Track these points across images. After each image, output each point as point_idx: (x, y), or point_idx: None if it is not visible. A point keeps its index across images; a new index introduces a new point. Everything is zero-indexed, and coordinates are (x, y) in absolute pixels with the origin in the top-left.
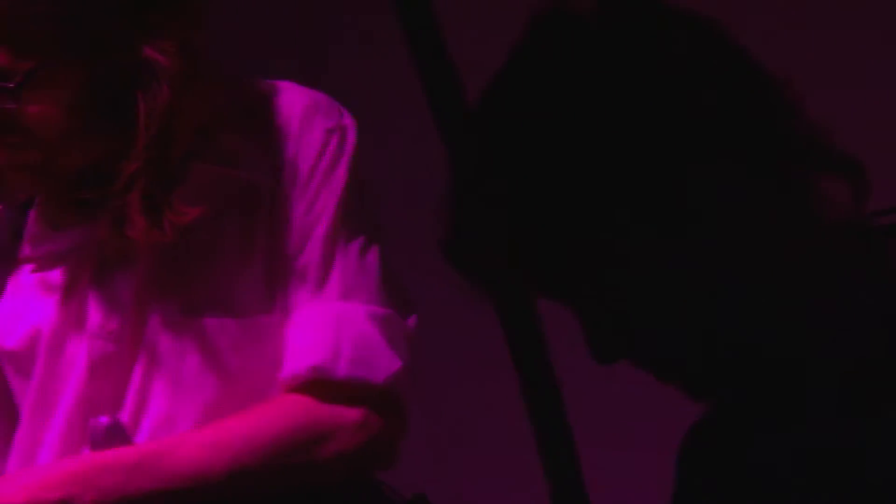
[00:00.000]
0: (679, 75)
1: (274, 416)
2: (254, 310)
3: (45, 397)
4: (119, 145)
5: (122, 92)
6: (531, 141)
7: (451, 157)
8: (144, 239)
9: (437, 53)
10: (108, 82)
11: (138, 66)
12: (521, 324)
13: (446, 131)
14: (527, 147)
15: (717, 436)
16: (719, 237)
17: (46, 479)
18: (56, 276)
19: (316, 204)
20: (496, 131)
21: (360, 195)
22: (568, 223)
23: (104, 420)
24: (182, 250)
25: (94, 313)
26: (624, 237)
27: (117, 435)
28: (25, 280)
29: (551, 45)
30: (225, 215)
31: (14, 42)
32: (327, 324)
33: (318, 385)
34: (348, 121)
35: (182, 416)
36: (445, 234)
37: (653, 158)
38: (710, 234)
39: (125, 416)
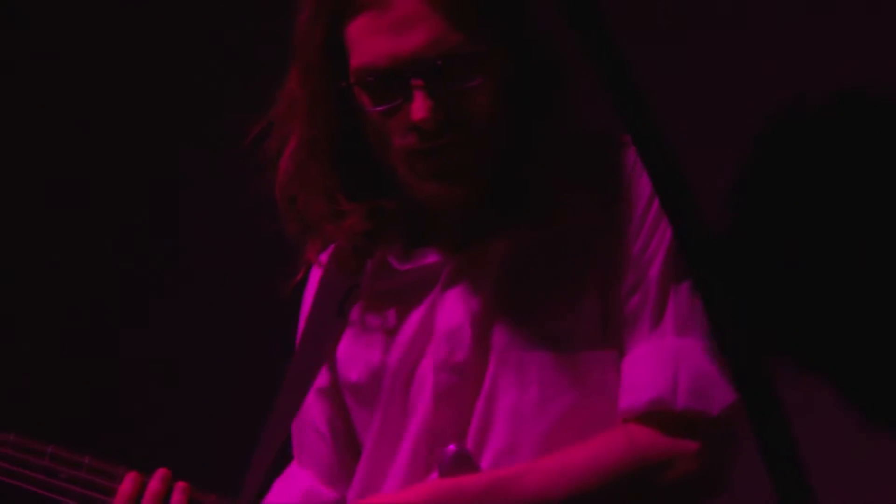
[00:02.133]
0: None
1: (615, 445)
2: (590, 345)
3: (389, 428)
4: (515, 144)
5: (535, 89)
6: None
7: None
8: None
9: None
10: (527, 77)
11: (551, 64)
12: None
13: None
14: None
15: None
16: None
17: (400, 503)
18: (399, 311)
19: (649, 246)
20: None
21: None
22: None
23: (452, 448)
24: (521, 284)
25: (440, 347)
26: None
27: (465, 462)
28: (368, 315)
29: None
30: (562, 252)
31: (476, 25)
32: (665, 358)
33: (657, 417)
34: None
35: (522, 447)
36: None
37: None
38: None
39: (469, 445)
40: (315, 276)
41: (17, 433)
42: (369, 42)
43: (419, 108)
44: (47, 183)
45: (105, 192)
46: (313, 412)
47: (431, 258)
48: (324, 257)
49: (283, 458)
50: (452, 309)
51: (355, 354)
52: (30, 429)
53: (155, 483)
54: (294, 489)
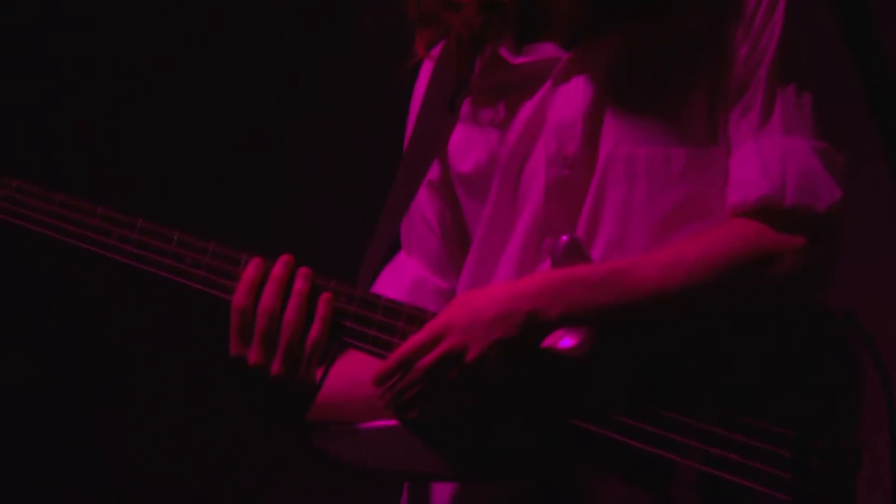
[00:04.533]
0: None
1: (725, 239)
2: (699, 141)
3: (500, 219)
4: None
5: None
6: None
7: None
8: (597, 58)
9: None
10: None
11: None
12: None
13: None
14: None
15: None
16: None
17: (517, 291)
18: (511, 104)
19: (758, 45)
20: None
21: (795, 39)
22: None
23: (565, 238)
24: (631, 80)
25: (551, 140)
26: None
27: (577, 253)
28: (480, 109)
29: None
30: (670, 49)
31: None
32: (773, 156)
33: (766, 213)
34: None
35: (631, 240)
36: None
37: None
38: None
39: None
40: (426, 71)
41: (146, 219)
42: None
43: None
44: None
45: None
46: (423, 204)
47: (544, 52)
48: (435, 52)
49: (395, 249)
50: (564, 103)
51: (467, 147)
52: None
53: (278, 268)
54: (403, 277)
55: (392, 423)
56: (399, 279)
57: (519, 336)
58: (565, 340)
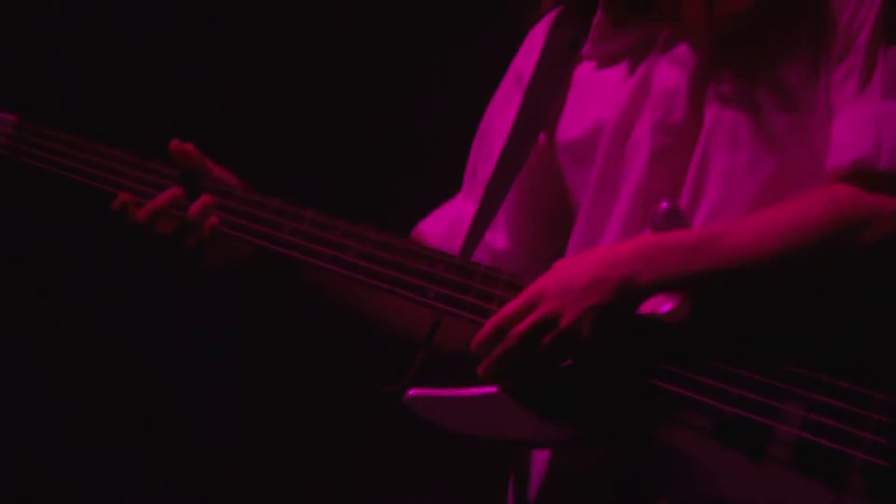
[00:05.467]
0: None
1: (820, 203)
2: (800, 106)
3: (606, 185)
4: None
5: None
6: None
7: None
8: (701, 27)
9: None
10: None
11: None
12: None
13: None
14: None
15: None
16: None
17: (611, 257)
18: (617, 72)
19: (859, 13)
20: None
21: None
22: None
23: (664, 205)
24: (734, 48)
25: (656, 107)
26: None
27: (676, 219)
28: (587, 77)
29: None
30: (772, 16)
31: None
32: (870, 121)
33: (860, 176)
34: None
35: (734, 205)
36: None
37: None
38: None
39: (682, 204)
40: (538, 39)
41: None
42: None
43: None
44: None
45: None
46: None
47: (650, 21)
48: (546, 20)
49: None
50: (669, 71)
51: (574, 113)
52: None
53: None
54: (448, 213)
55: (491, 390)
56: (444, 214)
57: (613, 302)
58: (665, 306)
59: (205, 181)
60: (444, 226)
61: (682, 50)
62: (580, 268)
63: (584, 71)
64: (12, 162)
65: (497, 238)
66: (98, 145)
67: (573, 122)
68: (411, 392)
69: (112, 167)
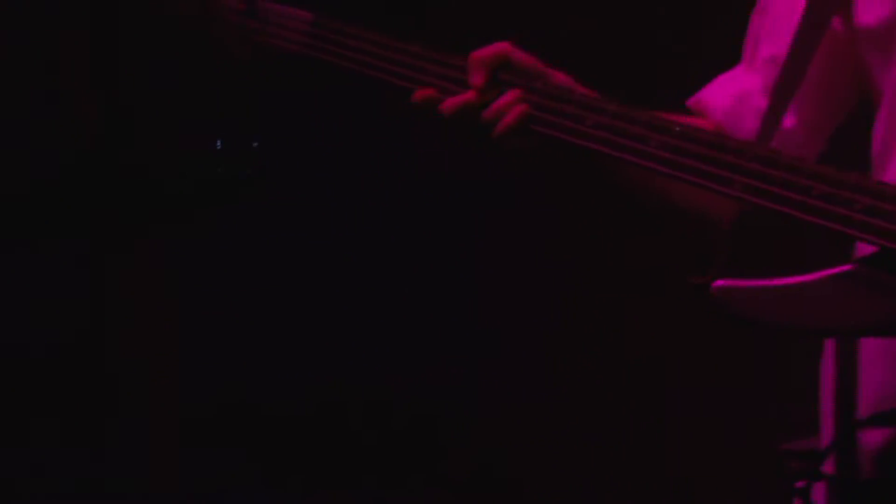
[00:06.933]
0: None
1: None
2: None
3: None
4: None
5: None
6: None
7: None
8: None
9: None
10: None
11: None
12: None
13: None
14: None
15: None
16: None
17: None
18: None
19: None
20: None
21: None
22: None
23: None
24: None
25: None
26: None
27: None
28: None
29: None
30: None
31: None
32: None
33: None
34: None
35: None
36: None
37: None
38: None
39: None
40: None
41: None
42: None
43: None
44: None
45: None
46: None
47: None
48: None
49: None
50: None
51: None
52: None
53: None
54: (733, 84)
55: (846, 268)
56: (726, 85)
57: None
58: None
59: (505, 75)
60: (728, 99)
61: None
62: None
63: None
64: (309, 59)
65: (786, 118)
66: (396, 41)
67: (871, 8)
68: (718, 282)
69: (411, 63)
